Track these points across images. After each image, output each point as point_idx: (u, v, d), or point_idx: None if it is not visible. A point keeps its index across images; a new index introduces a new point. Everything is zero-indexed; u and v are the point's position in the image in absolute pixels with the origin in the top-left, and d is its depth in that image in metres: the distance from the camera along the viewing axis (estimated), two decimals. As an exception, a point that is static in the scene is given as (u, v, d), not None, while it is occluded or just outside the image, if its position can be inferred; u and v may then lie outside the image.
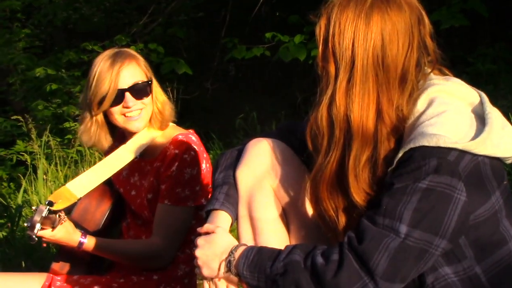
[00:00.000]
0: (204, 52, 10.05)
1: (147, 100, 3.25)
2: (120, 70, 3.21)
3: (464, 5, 7.12)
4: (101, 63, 3.24)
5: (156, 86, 3.31)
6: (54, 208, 2.94)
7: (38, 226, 2.90)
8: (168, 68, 7.91)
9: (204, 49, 10.19)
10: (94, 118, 3.30)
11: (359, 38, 2.15)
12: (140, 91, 3.23)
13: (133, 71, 3.24)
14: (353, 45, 2.15)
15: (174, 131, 3.33)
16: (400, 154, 2.10)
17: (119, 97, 3.22)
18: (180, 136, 3.26)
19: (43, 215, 2.88)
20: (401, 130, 2.18)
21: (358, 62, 2.15)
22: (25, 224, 2.94)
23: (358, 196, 2.20)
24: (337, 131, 2.18)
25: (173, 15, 10.09)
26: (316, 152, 2.27)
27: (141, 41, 8.91)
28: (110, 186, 3.49)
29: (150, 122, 3.30)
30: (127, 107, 3.23)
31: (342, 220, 2.27)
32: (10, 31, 9.87)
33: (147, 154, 3.32)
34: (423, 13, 2.23)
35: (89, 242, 3.19)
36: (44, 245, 3.03)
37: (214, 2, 10.36)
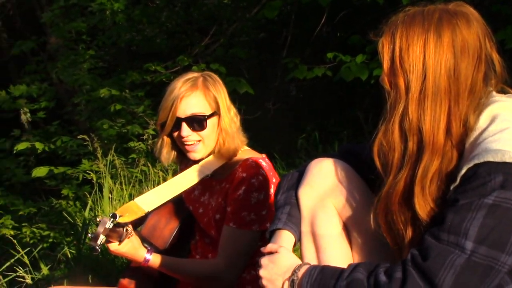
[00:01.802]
0: (266, 72, 10.09)
1: (204, 133, 3.24)
2: (182, 98, 3.23)
3: (530, 24, 7.03)
4: (172, 86, 3.28)
5: (225, 118, 3.27)
6: (120, 221, 2.98)
7: (101, 237, 2.93)
8: (230, 87, 7.93)
9: (266, 69, 10.23)
10: (163, 138, 3.36)
11: (430, 50, 2.17)
12: (196, 123, 3.23)
13: (195, 101, 3.24)
14: (424, 58, 2.18)
15: (246, 154, 3.34)
16: (463, 171, 2.09)
17: (176, 125, 3.25)
18: (249, 160, 3.26)
19: (107, 226, 2.92)
20: (463, 146, 2.18)
21: (430, 74, 2.17)
22: (89, 235, 2.97)
23: (422, 209, 2.20)
24: (411, 144, 2.20)
25: (235, 36, 10.17)
26: (385, 169, 2.27)
27: (203, 61, 8.99)
28: (180, 204, 3.53)
29: (216, 151, 3.30)
30: (182, 137, 3.26)
31: (409, 233, 2.27)
32: (76, 52, 10.05)
33: (218, 174, 3.33)
34: (488, 29, 2.25)
35: (154, 259, 3.22)
36: (97, 252, 3.06)
37: (275, 23, 10.41)
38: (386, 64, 2.25)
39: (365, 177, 2.52)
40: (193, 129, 3.24)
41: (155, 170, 6.73)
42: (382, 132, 2.25)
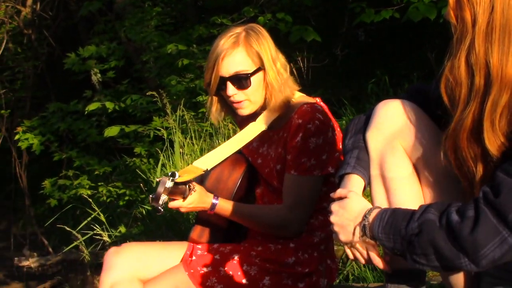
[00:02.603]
0: (333, 19, 9.98)
1: (249, 90, 3.23)
2: (224, 57, 3.20)
3: None
4: (214, 45, 3.25)
5: (270, 72, 3.24)
6: (178, 180, 3.00)
7: (163, 197, 2.95)
8: (297, 36, 7.87)
9: (333, 16, 10.11)
10: (212, 98, 3.35)
11: None
12: (240, 81, 3.21)
13: (238, 59, 3.21)
14: None
15: (300, 101, 3.32)
16: None
17: (222, 84, 3.24)
18: (305, 106, 3.24)
19: (167, 186, 2.94)
20: None
21: (498, 6, 2.11)
22: (151, 196, 3.00)
23: (492, 144, 2.15)
24: (477, 79, 2.15)
25: (300, -16, 10.05)
26: (453, 104, 2.23)
27: (268, 11, 8.91)
28: (242, 155, 3.53)
29: (268, 105, 3.28)
30: (228, 96, 3.25)
31: (480, 169, 2.22)
32: (142, 10, 10.07)
33: (275, 124, 3.32)
34: None
35: (221, 203, 3.26)
36: (161, 212, 3.08)
37: (341, -31, 10.26)
38: None
39: (435, 116, 2.47)
40: (238, 87, 3.22)
41: (225, 123, 6.73)
42: (449, 67, 2.21)
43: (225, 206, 3.27)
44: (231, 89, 3.22)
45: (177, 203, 3.14)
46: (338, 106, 7.09)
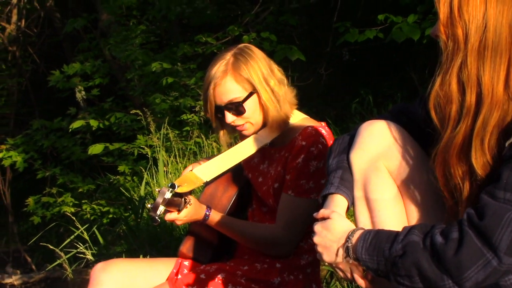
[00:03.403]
0: (317, 38, 10.01)
1: (246, 115, 3.25)
2: (216, 88, 3.23)
3: None
4: (206, 75, 3.28)
5: (263, 94, 3.23)
6: (179, 190, 3.01)
7: (161, 208, 2.97)
8: (281, 55, 7.89)
9: (317, 35, 10.15)
10: (216, 124, 3.39)
11: (492, 0, 2.12)
12: (235, 109, 3.24)
13: (229, 88, 3.22)
14: (485, 8, 2.12)
15: (306, 122, 3.32)
16: None
17: (219, 112, 3.27)
18: (309, 128, 3.24)
19: (166, 197, 2.96)
20: None
21: (491, 24, 2.12)
22: (148, 206, 3.01)
23: (479, 163, 2.15)
24: (469, 96, 2.15)
25: (285, 3, 10.09)
26: (442, 122, 2.22)
27: (253, 30, 8.93)
28: (238, 172, 3.53)
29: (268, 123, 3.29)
30: (228, 123, 3.28)
31: (466, 188, 2.22)
32: (127, 28, 10.08)
33: (277, 142, 3.34)
34: None
35: (213, 215, 3.27)
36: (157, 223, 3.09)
37: (326, -12, 10.30)
38: (443, 14, 2.19)
39: (417, 136, 2.48)
40: (234, 114, 3.25)
41: (209, 142, 6.73)
42: (439, 84, 2.20)
43: (217, 218, 3.28)
44: (229, 116, 3.25)
45: (173, 215, 3.14)
46: (322, 126, 7.07)
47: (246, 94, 3.23)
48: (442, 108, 2.21)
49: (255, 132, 3.32)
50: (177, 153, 6.86)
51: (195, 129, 7.51)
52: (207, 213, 3.26)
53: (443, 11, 2.19)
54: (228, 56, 3.26)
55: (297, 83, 8.71)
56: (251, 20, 9.46)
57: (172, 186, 3.00)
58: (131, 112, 8.11)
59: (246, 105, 3.23)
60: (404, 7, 7.68)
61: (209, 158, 3.52)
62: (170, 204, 3.04)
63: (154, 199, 3.05)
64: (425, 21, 6.79)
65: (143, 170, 6.79)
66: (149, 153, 7.12)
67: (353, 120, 7.63)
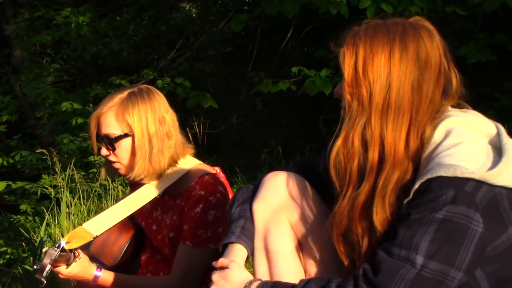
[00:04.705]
0: (231, 87, 10.07)
1: (117, 154, 3.18)
2: (99, 116, 3.17)
3: (491, 40, 7.07)
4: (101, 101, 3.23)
5: (140, 138, 3.14)
6: (67, 247, 2.90)
7: (47, 268, 2.84)
8: (194, 102, 7.92)
9: (232, 84, 10.21)
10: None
11: (396, 61, 2.15)
12: (109, 143, 3.16)
13: (108, 121, 3.15)
14: (389, 68, 2.15)
15: (200, 169, 3.27)
16: (417, 185, 2.07)
17: (98, 142, 3.21)
18: (206, 177, 3.20)
19: (53, 258, 2.83)
20: (419, 159, 2.16)
21: (395, 85, 2.14)
22: (35, 267, 2.90)
23: (379, 221, 2.17)
24: (371, 154, 2.17)
25: (201, 50, 10.14)
26: (343, 179, 2.23)
27: (168, 75, 8.94)
28: (130, 218, 3.45)
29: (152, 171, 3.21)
30: (102, 155, 3.22)
31: (365, 244, 2.23)
32: (40, 65, 9.96)
33: (171, 189, 3.27)
34: (446, 44, 2.24)
35: (104, 276, 3.16)
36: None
37: (242, 37, 10.40)
38: (348, 74, 2.20)
39: (321, 189, 2.48)
40: (108, 149, 3.18)
41: (115, 184, 6.65)
42: (342, 142, 2.21)
43: (108, 279, 3.17)
44: (104, 149, 3.18)
45: (61, 270, 3.01)
46: (230, 174, 7.10)
47: (121, 133, 3.15)
48: (343, 165, 2.22)
49: (127, 174, 3.23)
50: (81, 195, 6.75)
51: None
52: (97, 274, 3.14)
53: (347, 71, 2.20)
54: (125, 93, 3.20)
55: (209, 130, 8.74)
56: (167, 64, 9.47)
57: (59, 246, 2.86)
58: (37, 151, 7.97)
59: (118, 144, 3.16)
60: (317, 61, 7.80)
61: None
62: (59, 260, 2.91)
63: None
64: (337, 76, 6.90)
65: (45, 211, 6.65)
66: (53, 193, 6.98)
67: (261, 170, 7.66)
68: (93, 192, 6.96)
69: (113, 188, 6.68)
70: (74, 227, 3.23)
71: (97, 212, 3.27)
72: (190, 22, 10.91)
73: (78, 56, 10.02)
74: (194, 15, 12.34)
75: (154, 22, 10.67)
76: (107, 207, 3.37)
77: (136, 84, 4.70)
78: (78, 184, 6.93)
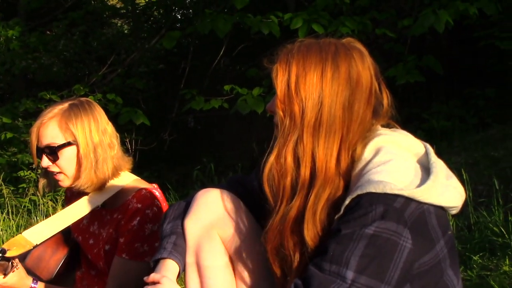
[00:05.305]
0: (163, 103, 10.07)
1: (60, 164, 3.15)
2: (40, 127, 3.15)
3: (420, 62, 7.22)
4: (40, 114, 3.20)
5: (84, 148, 3.14)
6: (8, 255, 2.89)
7: None
8: (126, 118, 7.88)
9: (164, 100, 10.20)
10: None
11: (327, 80, 2.18)
12: (51, 153, 3.14)
13: (50, 131, 3.14)
14: (321, 87, 2.18)
15: (137, 184, 3.27)
16: (347, 201, 2.10)
17: (39, 154, 3.18)
18: (144, 191, 3.19)
19: None
20: (349, 176, 2.19)
21: (326, 103, 2.17)
22: None
23: (310, 236, 2.19)
24: (303, 170, 2.19)
25: (133, 66, 10.11)
26: (276, 195, 2.26)
27: (99, 91, 8.89)
28: (67, 234, 3.43)
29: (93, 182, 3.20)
30: (43, 167, 3.19)
31: (296, 259, 2.26)
32: (-33, 79, 9.81)
33: (108, 203, 3.26)
34: (377, 66, 2.28)
35: None
36: None
37: (175, 55, 10.41)
38: (280, 91, 2.23)
39: (252, 206, 2.51)
40: (50, 159, 3.15)
41: (45, 200, 6.57)
42: (275, 158, 2.23)
43: None
44: (45, 160, 3.15)
45: None
46: (162, 190, 7.04)
47: (63, 142, 3.14)
48: (277, 181, 2.24)
49: (71, 184, 3.21)
50: (10, 210, 6.65)
51: (32, 186, 7.33)
52: (34, 286, 3.13)
53: (280, 88, 2.23)
54: (66, 104, 3.20)
55: (141, 146, 8.71)
56: (98, 80, 9.42)
57: (2, 251, 2.88)
58: (-37, 164, 7.84)
59: (62, 153, 3.14)
60: (250, 79, 7.86)
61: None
62: None
63: None
64: (270, 95, 6.95)
65: (-29, 226, 6.53)
66: (-20, 209, 6.87)
67: (193, 186, 7.65)
68: (22, 207, 6.87)
69: (43, 204, 6.60)
70: (3, 243, 3.20)
71: (26, 227, 3.23)
72: (122, 38, 10.88)
73: (7, 70, 9.88)
74: (126, 31, 12.31)
75: (85, 37, 10.61)
76: (37, 222, 3.33)
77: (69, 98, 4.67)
78: (7, 199, 6.82)
